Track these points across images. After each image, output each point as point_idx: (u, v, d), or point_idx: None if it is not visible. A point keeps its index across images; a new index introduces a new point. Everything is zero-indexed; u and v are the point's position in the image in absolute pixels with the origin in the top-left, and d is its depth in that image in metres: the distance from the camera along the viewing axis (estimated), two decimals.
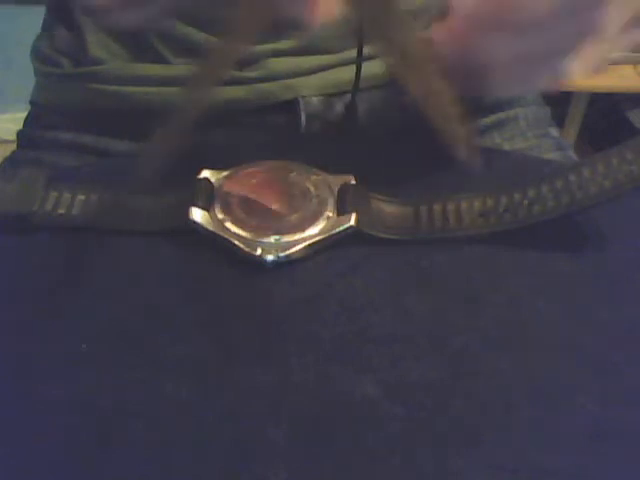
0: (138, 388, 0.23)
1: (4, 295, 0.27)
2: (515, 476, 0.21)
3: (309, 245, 0.28)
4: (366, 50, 0.40)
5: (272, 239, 0.27)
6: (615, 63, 1.29)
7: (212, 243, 0.28)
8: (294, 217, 0.28)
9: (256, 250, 0.27)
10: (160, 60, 0.39)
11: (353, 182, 0.30)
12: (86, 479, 0.21)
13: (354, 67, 0.39)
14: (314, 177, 0.30)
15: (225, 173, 0.31)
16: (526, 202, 0.28)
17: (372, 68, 0.40)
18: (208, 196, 0.29)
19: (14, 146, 0.44)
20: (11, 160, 0.43)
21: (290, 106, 0.40)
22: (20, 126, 0.45)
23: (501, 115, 0.45)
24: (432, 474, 0.21)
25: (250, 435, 0.22)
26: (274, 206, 0.29)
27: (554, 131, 0.47)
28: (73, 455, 0.22)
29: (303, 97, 0.40)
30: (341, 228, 0.28)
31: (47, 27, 0.44)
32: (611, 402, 0.23)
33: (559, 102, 1.28)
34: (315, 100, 0.40)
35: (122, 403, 0.23)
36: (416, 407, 0.23)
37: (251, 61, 0.39)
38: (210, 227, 0.28)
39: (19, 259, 0.29)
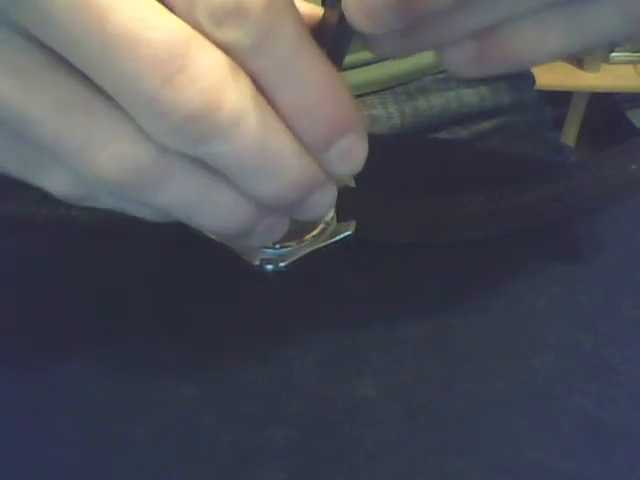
0: (138, 389, 0.23)
1: (3, 295, 0.27)
2: (515, 476, 0.21)
3: (308, 253, 0.27)
4: (364, 55, 0.41)
5: (271, 249, 0.27)
6: (615, 63, 1.30)
7: (213, 248, 0.28)
8: (293, 225, 0.28)
9: (256, 260, 0.27)
10: None
11: (353, 184, 0.30)
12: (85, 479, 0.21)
13: (352, 73, 0.39)
14: None
15: None
16: (525, 205, 0.28)
17: (370, 73, 0.40)
18: None
19: None
20: None
21: None
22: None
23: (501, 119, 0.45)
24: (432, 474, 0.21)
25: (250, 436, 0.22)
26: None
27: (554, 135, 0.47)
28: (72, 455, 0.22)
29: None
30: (341, 236, 0.28)
31: None
32: (611, 402, 0.23)
33: (559, 102, 1.28)
34: None
35: (122, 403, 0.23)
36: (416, 408, 0.23)
37: None
38: (212, 235, 0.28)
39: (19, 259, 0.29)
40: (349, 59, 0.40)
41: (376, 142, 0.36)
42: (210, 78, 0.16)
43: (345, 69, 0.40)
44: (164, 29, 0.15)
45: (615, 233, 0.30)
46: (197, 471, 0.21)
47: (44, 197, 0.30)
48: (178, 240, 0.29)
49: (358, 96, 0.41)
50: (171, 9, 0.16)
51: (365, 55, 0.41)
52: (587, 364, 0.24)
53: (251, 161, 0.17)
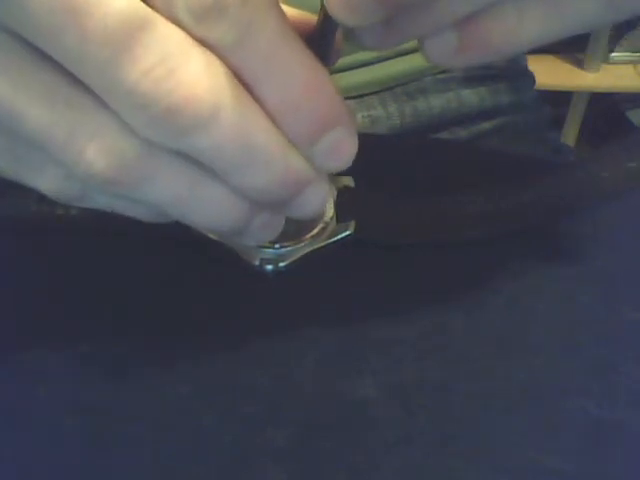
0: (138, 389, 0.23)
1: (3, 295, 0.27)
2: (515, 476, 0.21)
3: (308, 253, 0.27)
4: (363, 56, 0.41)
5: (271, 248, 0.27)
6: (615, 63, 1.29)
7: (213, 247, 0.28)
8: (292, 225, 0.28)
9: (255, 260, 0.27)
10: None
11: (352, 184, 0.30)
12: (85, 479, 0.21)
13: (352, 74, 0.39)
14: None
15: None
16: (525, 205, 0.28)
17: (369, 73, 0.40)
18: None
19: None
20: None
21: None
22: None
23: (501, 119, 0.45)
24: (432, 474, 0.21)
25: (250, 436, 0.22)
26: None
27: (554, 135, 0.47)
28: (72, 456, 0.22)
29: None
30: (340, 236, 0.28)
31: None
32: (611, 403, 0.23)
33: (559, 102, 1.28)
34: None
35: (122, 403, 0.23)
36: (416, 408, 0.23)
37: None
38: (210, 234, 0.28)
39: (18, 259, 0.29)
40: (349, 60, 0.40)
41: (376, 142, 0.37)
42: (187, 71, 0.15)
43: (345, 70, 0.40)
44: (117, 9, 0.15)
45: (614, 232, 0.30)
46: (197, 471, 0.21)
47: (43, 196, 0.30)
48: (178, 240, 0.29)
49: (358, 96, 0.41)
50: (151, 6, 0.15)
51: (364, 56, 0.41)
52: (587, 364, 0.24)
53: (234, 154, 0.17)
